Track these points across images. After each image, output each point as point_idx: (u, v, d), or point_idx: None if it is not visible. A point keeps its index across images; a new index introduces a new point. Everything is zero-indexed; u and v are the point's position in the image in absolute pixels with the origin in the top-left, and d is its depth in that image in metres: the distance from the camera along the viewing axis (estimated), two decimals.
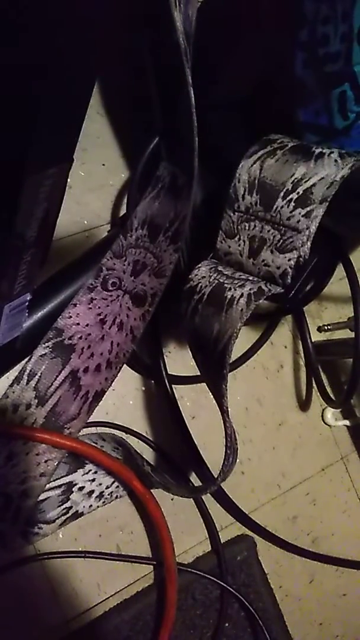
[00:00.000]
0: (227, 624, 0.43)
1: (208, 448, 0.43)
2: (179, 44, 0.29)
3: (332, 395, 0.48)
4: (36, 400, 0.37)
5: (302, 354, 0.49)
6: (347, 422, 0.50)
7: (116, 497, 0.40)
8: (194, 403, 0.44)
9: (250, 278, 0.33)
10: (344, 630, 0.50)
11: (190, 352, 0.36)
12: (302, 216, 0.31)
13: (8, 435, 0.36)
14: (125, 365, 0.40)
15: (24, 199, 0.26)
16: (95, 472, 0.39)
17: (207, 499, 0.44)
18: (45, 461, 0.36)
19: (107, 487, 0.39)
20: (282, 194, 0.32)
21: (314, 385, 0.49)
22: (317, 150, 0.32)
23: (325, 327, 0.50)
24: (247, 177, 0.33)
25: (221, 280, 0.33)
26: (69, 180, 0.29)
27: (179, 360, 0.44)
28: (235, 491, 0.44)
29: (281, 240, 0.32)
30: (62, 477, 0.38)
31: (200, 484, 0.43)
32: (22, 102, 0.23)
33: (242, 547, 0.44)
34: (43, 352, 0.37)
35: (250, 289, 0.31)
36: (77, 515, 0.39)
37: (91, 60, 0.25)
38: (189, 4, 0.29)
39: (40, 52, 0.21)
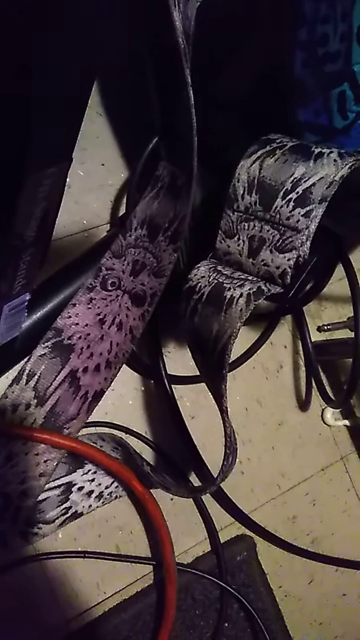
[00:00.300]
0: (226, 624, 0.43)
1: (207, 448, 0.43)
2: (178, 43, 0.29)
3: (331, 395, 0.48)
4: (35, 400, 0.37)
5: (302, 354, 0.49)
6: (346, 422, 0.50)
7: (115, 497, 0.40)
8: (194, 403, 0.44)
9: (250, 278, 0.33)
10: (344, 630, 0.50)
11: (189, 352, 0.36)
12: (302, 216, 0.31)
13: (7, 435, 0.35)
14: (124, 365, 0.40)
15: (23, 199, 0.26)
16: (95, 472, 0.39)
17: (207, 499, 0.44)
18: (45, 461, 0.36)
19: (107, 487, 0.39)
20: (281, 193, 0.32)
21: (314, 385, 0.49)
22: (317, 150, 0.32)
23: (325, 327, 0.50)
24: (247, 176, 0.33)
25: (220, 280, 0.33)
26: (68, 179, 0.29)
27: (178, 360, 0.44)
28: (234, 491, 0.44)
29: (280, 240, 0.32)
30: (61, 477, 0.38)
31: (200, 484, 0.43)
32: (21, 102, 0.23)
33: (241, 547, 0.44)
34: (42, 352, 0.37)
35: (249, 289, 0.31)
36: (77, 515, 0.39)
37: (90, 60, 0.25)
38: (188, 3, 0.29)
39: (40, 52, 0.21)
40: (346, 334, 0.49)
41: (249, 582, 0.44)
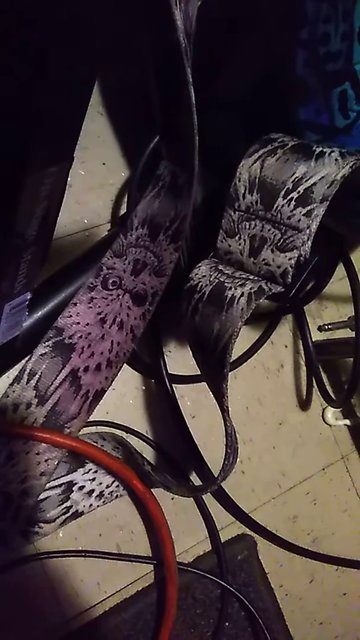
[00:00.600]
0: (227, 623, 0.43)
1: (208, 447, 0.43)
2: (179, 43, 0.29)
3: (332, 395, 0.48)
4: (36, 400, 0.37)
5: (303, 354, 0.49)
6: (347, 422, 0.50)
7: (116, 497, 0.40)
8: (194, 402, 0.44)
9: (251, 277, 0.33)
10: (344, 630, 0.50)
11: (190, 352, 0.36)
12: (303, 215, 0.31)
13: (8, 434, 0.35)
14: (125, 365, 0.40)
15: (24, 198, 0.26)
16: (96, 472, 0.39)
17: (208, 498, 0.44)
18: (46, 460, 0.36)
19: (107, 487, 0.39)
20: (282, 193, 0.32)
21: (315, 384, 0.49)
22: (318, 149, 0.32)
23: (326, 327, 0.50)
24: (248, 176, 0.33)
25: (222, 280, 0.33)
26: (69, 179, 0.29)
27: (179, 359, 0.44)
28: (235, 490, 0.44)
29: (282, 240, 0.32)
30: (62, 476, 0.38)
31: (201, 483, 0.43)
32: (23, 102, 0.23)
33: (242, 547, 0.44)
34: (43, 351, 0.37)
35: (250, 288, 0.31)
36: (77, 514, 0.39)
37: (92, 59, 0.25)
38: (189, 2, 0.29)
39: (41, 51, 0.21)
40: (347, 333, 0.49)
41: (249, 582, 0.44)
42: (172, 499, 0.42)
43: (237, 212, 0.34)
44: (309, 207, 0.31)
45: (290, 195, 0.32)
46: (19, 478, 0.36)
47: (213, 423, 0.44)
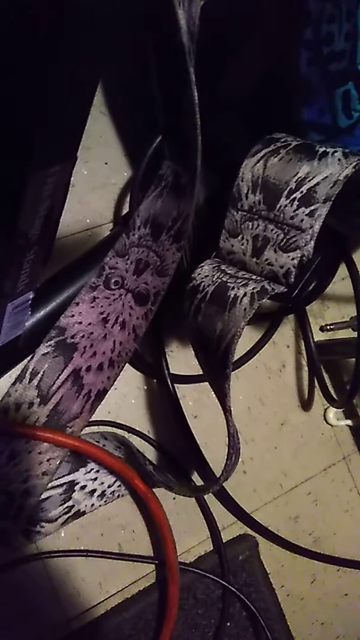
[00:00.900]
0: (228, 624, 0.43)
1: (210, 447, 0.43)
2: (182, 43, 0.29)
3: (334, 395, 0.48)
4: (38, 399, 0.37)
5: (305, 354, 0.49)
6: (349, 422, 0.50)
7: (118, 496, 0.40)
8: (196, 402, 0.44)
9: (254, 277, 0.33)
10: (346, 630, 0.50)
11: (192, 351, 0.36)
12: (306, 215, 0.31)
13: (10, 433, 0.35)
14: (127, 364, 0.40)
15: (27, 197, 0.26)
16: (97, 471, 0.39)
17: (209, 498, 0.44)
18: (48, 460, 0.36)
19: (109, 486, 0.39)
20: (285, 192, 0.32)
21: (317, 384, 0.49)
22: (321, 149, 0.32)
23: (328, 327, 0.50)
24: (251, 175, 0.33)
25: (224, 279, 0.33)
26: (71, 178, 0.29)
27: (181, 359, 0.44)
28: (237, 491, 0.44)
29: (285, 240, 0.32)
30: (64, 475, 0.38)
31: (202, 483, 0.43)
32: (26, 101, 0.23)
33: (243, 547, 0.44)
34: (45, 351, 0.37)
35: (253, 288, 0.31)
36: (79, 514, 0.39)
37: (95, 59, 0.25)
38: (192, 2, 0.29)
39: (43, 51, 0.21)
40: (349, 333, 0.49)
41: (251, 582, 0.44)
42: (174, 498, 0.42)
43: (239, 212, 0.34)
44: (312, 207, 0.31)
45: (293, 195, 0.32)
46: (21, 477, 0.36)
47: (215, 423, 0.44)
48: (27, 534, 0.37)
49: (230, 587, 0.42)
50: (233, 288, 0.32)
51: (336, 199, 0.31)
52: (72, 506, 0.38)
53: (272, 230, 0.32)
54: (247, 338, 0.47)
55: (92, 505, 0.39)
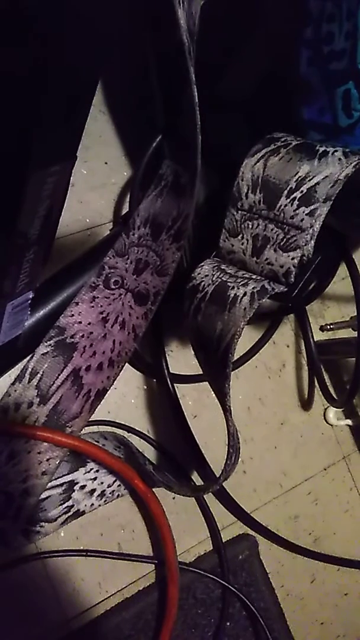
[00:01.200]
0: (228, 623, 0.43)
1: (210, 447, 0.43)
2: (182, 42, 0.29)
3: (334, 395, 0.48)
4: (38, 399, 0.37)
5: (305, 353, 0.49)
6: (349, 422, 0.50)
7: (118, 496, 0.40)
8: (196, 402, 0.44)
9: (254, 277, 0.33)
10: (345, 630, 0.50)
11: (192, 351, 0.36)
12: (306, 215, 0.31)
13: (10, 433, 0.35)
14: (127, 364, 0.40)
15: (27, 197, 0.26)
16: (97, 471, 0.39)
17: (209, 498, 0.44)
18: (47, 460, 0.36)
19: (109, 486, 0.39)
20: (285, 192, 0.32)
21: (316, 384, 0.48)
22: (321, 149, 0.32)
23: (328, 326, 0.50)
24: (251, 175, 0.33)
25: (224, 279, 0.33)
26: (71, 178, 0.29)
27: (181, 359, 0.44)
28: (236, 490, 0.44)
29: (285, 239, 0.32)
30: (63, 475, 0.38)
31: (202, 483, 0.43)
32: (26, 100, 0.23)
33: (243, 547, 0.44)
34: (45, 351, 0.37)
35: (253, 288, 0.31)
36: (79, 513, 0.39)
37: (94, 58, 0.25)
38: (192, 2, 0.29)
39: (44, 51, 0.21)
40: (349, 333, 0.49)
41: (250, 581, 0.44)
42: (174, 498, 0.42)
43: (239, 212, 0.34)
44: (312, 207, 0.31)
45: (294, 195, 0.32)
46: (21, 477, 0.36)
47: (215, 423, 0.44)
48: (27, 534, 0.37)
49: (230, 586, 0.42)
50: (233, 288, 0.32)
51: (336, 198, 0.31)
52: (72, 506, 0.38)
53: (272, 229, 0.32)
54: (247, 338, 0.47)
55: (92, 505, 0.39)
